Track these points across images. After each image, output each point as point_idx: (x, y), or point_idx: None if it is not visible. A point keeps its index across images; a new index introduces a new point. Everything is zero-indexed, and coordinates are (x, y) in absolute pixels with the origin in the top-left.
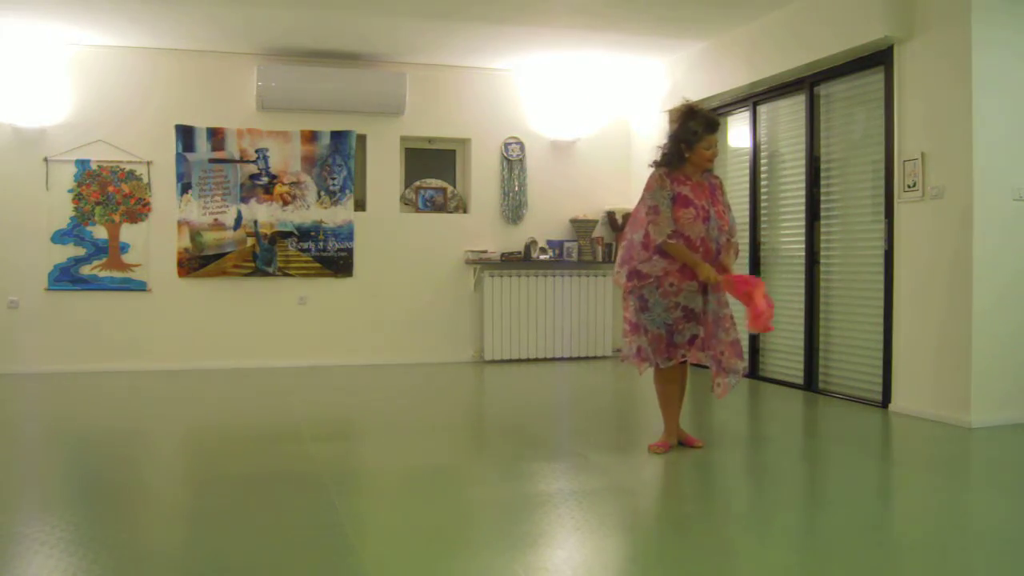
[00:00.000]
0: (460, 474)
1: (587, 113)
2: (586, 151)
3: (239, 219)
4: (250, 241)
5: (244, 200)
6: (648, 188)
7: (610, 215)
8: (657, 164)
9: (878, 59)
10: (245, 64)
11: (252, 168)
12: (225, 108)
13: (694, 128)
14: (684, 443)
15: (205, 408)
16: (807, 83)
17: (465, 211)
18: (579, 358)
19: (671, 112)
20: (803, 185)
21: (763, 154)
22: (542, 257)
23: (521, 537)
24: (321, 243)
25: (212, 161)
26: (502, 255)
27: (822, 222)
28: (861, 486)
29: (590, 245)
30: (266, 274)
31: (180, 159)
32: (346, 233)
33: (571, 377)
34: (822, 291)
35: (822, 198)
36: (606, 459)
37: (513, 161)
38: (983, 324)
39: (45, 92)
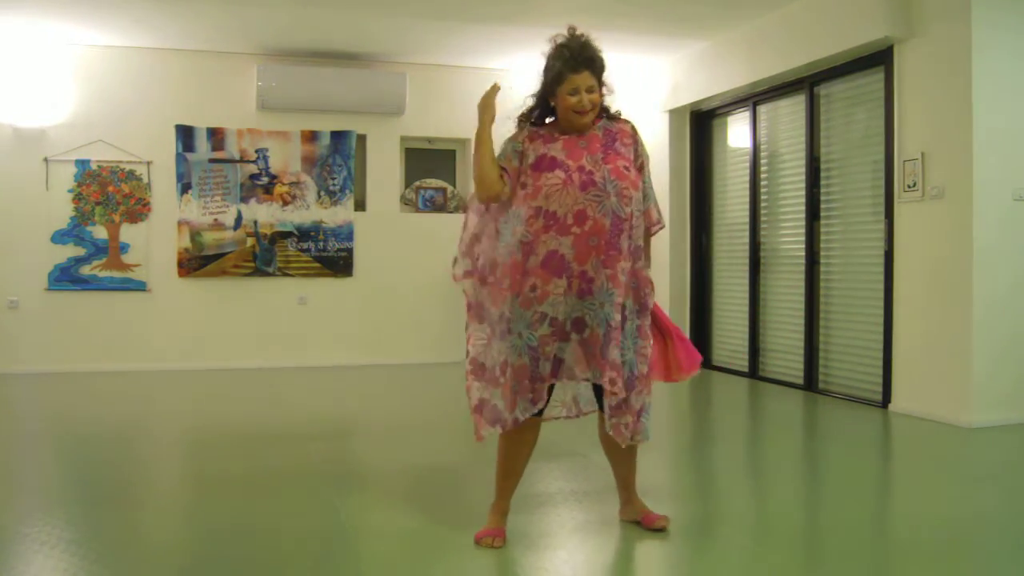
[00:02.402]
0: (460, 474)
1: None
2: None
3: (239, 219)
4: (250, 241)
5: (244, 200)
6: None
7: None
8: (520, 118)
9: (878, 59)
10: (245, 64)
11: (252, 168)
12: (225, 108)
13: (552, 65)
14: (643, 522)
15: (205, 408)
16: (807, 83)
17: (465, 211)
18: None
19: (549, 39)
20: (803, 185)
21: (763, 154)
22: None
23: (521, 537)
24: (321, 243)
25: (212, 161)
26: None
27: (822, 222)
28: (861, 486)
29: None
30: (266, 274)
31: (180, 159)
32: (346, 233)
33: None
34: (822, 291)
35: (822, 198)
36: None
37: None
38: (983, 324)
39: (45, 92)
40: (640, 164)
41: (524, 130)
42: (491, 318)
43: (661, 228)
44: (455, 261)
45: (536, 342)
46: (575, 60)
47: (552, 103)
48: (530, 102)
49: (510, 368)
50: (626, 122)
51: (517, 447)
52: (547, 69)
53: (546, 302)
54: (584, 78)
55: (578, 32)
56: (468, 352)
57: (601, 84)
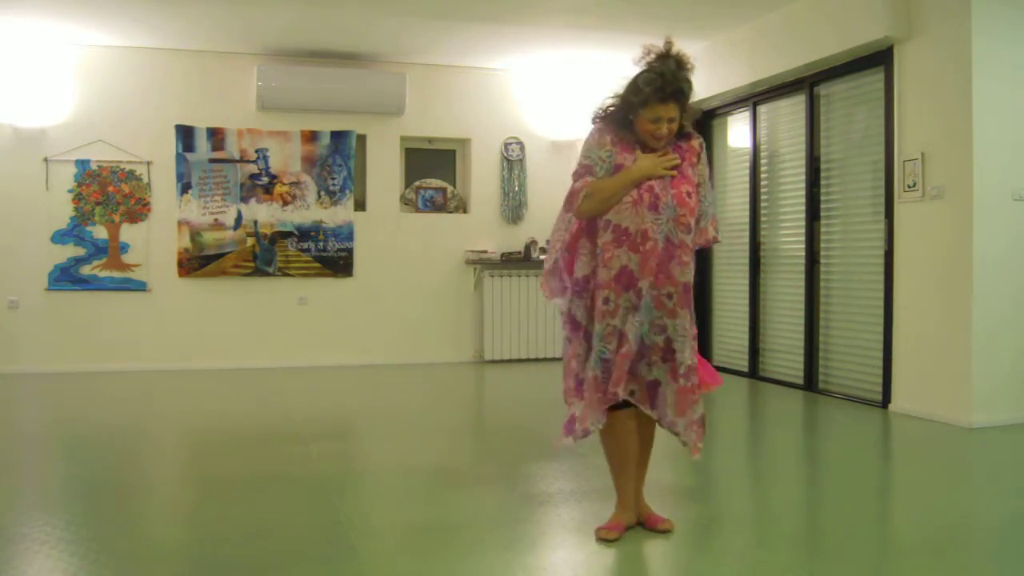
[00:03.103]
0: (460, 474)
1: (587, 113)
2: None
3: (239, 219)
4: (250, 241)
5: (244, 200)
6: (584, 144)
7: None
8: (598, 118)
9: (878, 59)
10: (245, 64)
11: (252, 168)
12: (225, 108)
13: (642, 89)
14: (645, 524)
15: (205, 408)
16: (807, 83)
17: (465, 211)
18: None
19: (643, 50)
20: (803, 185)
21: (763, 154)
22: (542, 257)
23: (521, 537)
24: (321, 243)
25: (212, 161)
26: (502, 255)
27: (822, 222)
28: (861, 486)
29: None
30: (266, 274)
31: (180, 159)
32: (346, 233)
33: None
34: (822, 291)
35: (822, 198)
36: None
37: (513, 161)
38: (983, 324)
39: (45, 92)
40: (699, 181)
41: (608, 134)
42: (579, 331)
43: (716, 242)
44: (545, 278)
45: (609, 355)
46: (664, 92)
47: (631, 117)
48: (610, 102)
49: (587, 380)
50: (696, 138)
51: (614, 442)
52: (635, 91)
53: (617, 316)
54: (669, 109)
55: (674, 51)
56: (571, 367)
57: (683, 111)
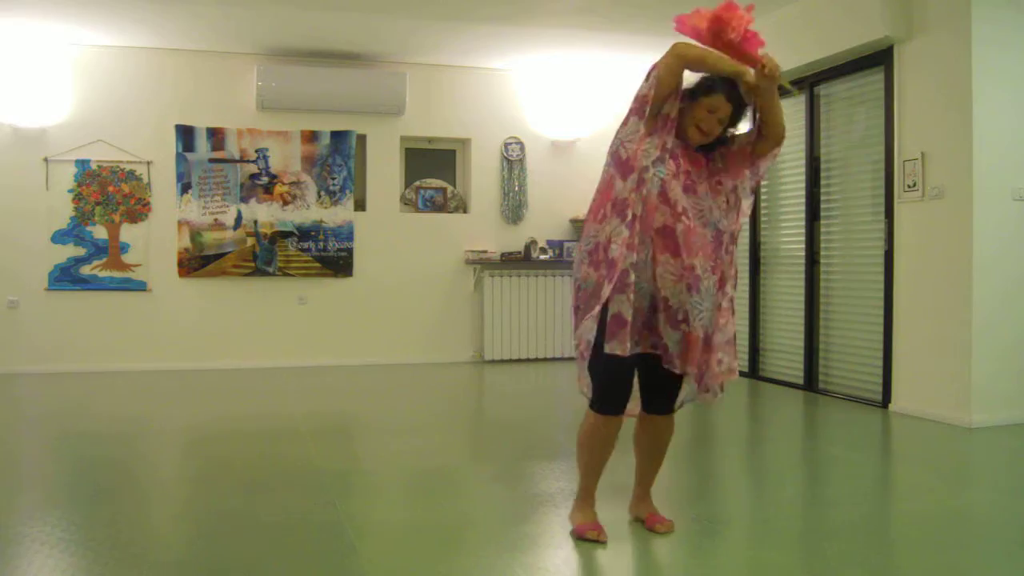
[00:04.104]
0: (460, 474)
1: (587, 113)
2: (586, 151)
3: (239, 219)
4: (250, 241)
5: (244, 200)
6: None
7: None
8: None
9: (878, 59)
10: (245, 64)
11: (252, 168)
12: (225, 108)
13: (715, 80)
14: (646, 523)
15: (205, 408)
16: (807, 83)
17: (465, 211)
18: None
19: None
20: (803, 185)
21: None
22: (542, 257)
23: (521, 537)
24: (321, 243)
25: (212, 161)
26: (502, 255)
27: (822, 222)
28: (861, 486)
29: None
30: (266, 274)
31: (180, 159)
32: (346, 233)
33: (571, 377)
34: (822, 291)
35: (822, 198)
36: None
37: (513, 161)
38: (983, 324)
39: (45, 92)
40: (738, 197)
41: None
42: None
43: None
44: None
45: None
46: (732, 88)
47: (684, 104)
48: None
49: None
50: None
51: (601, 444)
52: (703, 80)
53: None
54: (726, 107)
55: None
56: None
57: (733, 124)
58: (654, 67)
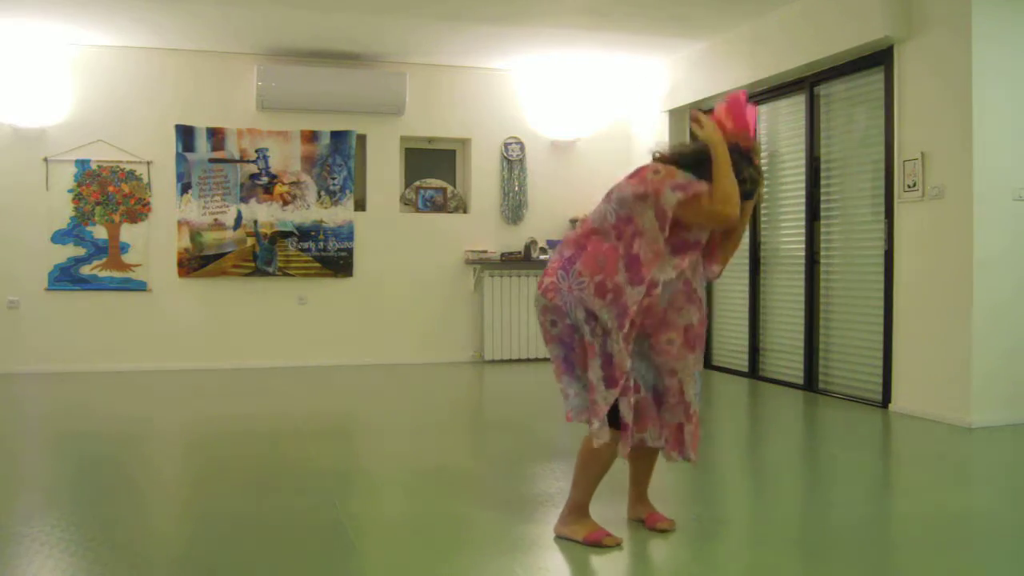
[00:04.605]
0: (460, 474)
1: (587, 113)
2: (586, 151)
3: (239, 219)
4: (250, 241)
5: (244, 200)
6: (672, 175)
7: None
8: (666, 159)
9: (878, 59)
10: (245, 64)
11: (252, 168)
12: (225, 108)
13: (752, 177)
14: (646, 522)
15: (205, 408)
16: (807, 83)
17: (465, 211)
18: None
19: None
20: (803, 185)
21: (763, 154)
22: (542, 257)
23: (521, 537)
24: (321, 243)
25: (212, 161)
26: (502, 255)
27: (822, 222)
28: (861, 486)
29: None
30: (266, 274)
31: (180, 159)
32: (346, 233)
33: None
34: (822, 291)
35: (822, 198)
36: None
37: (513, 161)
38: (983, 324)
39: (45, 92)
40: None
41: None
42: None
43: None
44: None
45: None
46: (751, 194)
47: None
48: (685, 150)
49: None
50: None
51: (607, 463)
52: (744, 177)
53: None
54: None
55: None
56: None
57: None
58: (699, 193)
